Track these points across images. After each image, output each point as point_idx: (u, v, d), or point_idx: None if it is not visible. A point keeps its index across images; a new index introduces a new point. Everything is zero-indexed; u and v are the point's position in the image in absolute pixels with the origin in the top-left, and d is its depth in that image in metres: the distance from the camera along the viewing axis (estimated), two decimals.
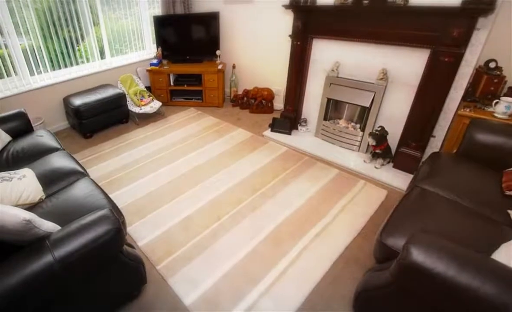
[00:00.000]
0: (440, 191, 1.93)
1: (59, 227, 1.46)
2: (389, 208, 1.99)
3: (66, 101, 3.98)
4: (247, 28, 4.49)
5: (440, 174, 2.11)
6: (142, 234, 2.35)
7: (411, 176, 2.72)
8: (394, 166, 3.11)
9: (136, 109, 4.24)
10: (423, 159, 2.80)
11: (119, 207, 1.99)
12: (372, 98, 3.10)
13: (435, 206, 1.80)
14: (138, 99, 4.31)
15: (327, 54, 3.40)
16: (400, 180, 2.90)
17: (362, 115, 3.37)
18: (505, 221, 1.69)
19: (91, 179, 2.20)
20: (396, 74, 2.95)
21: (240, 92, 4.83)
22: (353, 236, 2.30)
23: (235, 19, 4.57)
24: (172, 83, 4.88)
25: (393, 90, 3.02)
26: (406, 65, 2.85)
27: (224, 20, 4.64)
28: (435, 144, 3.00)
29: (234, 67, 4.83)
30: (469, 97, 2.76)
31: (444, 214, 1.73)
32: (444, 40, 2.48)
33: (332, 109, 3.60)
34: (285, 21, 3.80)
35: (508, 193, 1.87)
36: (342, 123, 3.56)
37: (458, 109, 2.73)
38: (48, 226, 1.43)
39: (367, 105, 3.15)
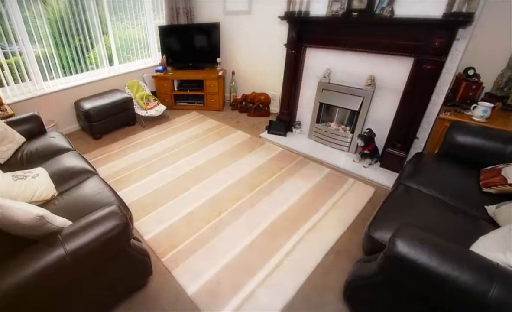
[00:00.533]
0: (423, 188, 1.94)
1: (71, 222, 1.45)
2: (377, 204, 1.99)
3: (77, 105, 3.95)
4: (245, 37, 4.48)
5: (423, 173, 2.11)
6: (148, 228, 2.34)
7: (397, 174, 2.72)
8: (381, 165, 3.11)
9: (142, 113, 4.22)
10: (408, 159, 2.81)
11: (127, 203, 1.98)
12: (360, 102, 3.09)
13: (418, 202, 1.81)
14: (144, 103, 4.29)
15: (319, 61, 3.39)
16: (386, 178, 2.90)
17: (352, 118, 3.37)
18: (483, 216, 1.70)
19: (101, 178, 2.18)
20: (383, 81, 2.95)
21: (239, 96, 4.81)
22: (343, 230, 2.30)
23: (234, 29, 4.56)
24: (176, 88, 4.86)
25: (380, 95, 3.02)
26: (392, 72, 2.85)
27: (224, 30, 4.63)
28: (418, 145, 3.00)
29: (233, 73, 4.82)
30: (449, 101, 2.78)
31: (427, 210, 1.73)
32: (426, 50, 2.49)
33: (324, 112, 3.59)
34: (281, 31, 3.80)
35: (485, 190, 1.88)
36: (333, 125, 3.56)
37: (439, 112, 2.74)
38: (60, 221, 1.43)
39: (356, 109, 3.14)
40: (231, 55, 4.84)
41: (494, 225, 1.60)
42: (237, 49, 4.71)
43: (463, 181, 2.00)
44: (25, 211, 1.29)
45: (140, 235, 2.28)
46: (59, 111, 3.99)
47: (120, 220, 1.44)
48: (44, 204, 1.86)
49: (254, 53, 4.48)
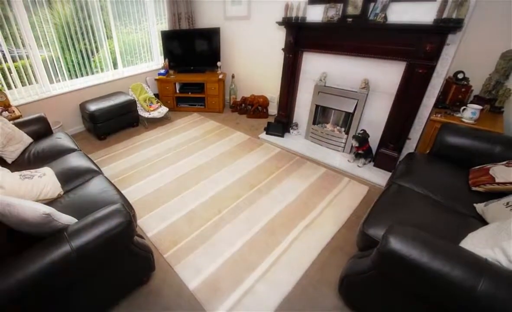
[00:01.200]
0: (414, 187, 1.94)
1: (76, 220, 1.45)
2: (370, 202, 1.99)
3: (82, 106, 3.94)
4: (245, 42, 4.48)
5: (415, 172, 2.11)
6: (151, 226, 2.34)
7: (390, 173, 2.72)
8: (374, 165, 3.11)
9: (145, 114, 4.22)
10: (400, 159, 2.80)
11: (130, 202, 1.97)
12: (355, 104, 3.09)
13: (410, 200, 1.81)
14: (147, 105, 4.28)
15: (315, 65, 3.39)
16: (380, 178, 2.90)
17: (347, 120, 3.37)
18: (471, 213, 1.70)
19: (105, 177, 2.17)
20: (376, 84, 2.95)
21: (238, 99, 4.81)
22: (338, 227, 2.30)
23: (234, 34, 4.56)
24: (177, 91, 4.86)
25: (373, 97, 3.01)
26: (385, 75, 2.85)
27: (224, 35, 4.63)
28: (410, 145, 3.00)
29: (233, 76, 4.81)
30: (440, 104, 2.79)
31: (418, 208, 1.73)
32: (418, 54, 2.50)
33: (320, 114, 3.60)
34: (279, 36, 3.79)
35: (474, 188, 1.88)
36: (329, 127, 3.56)
37: (430, 114, 2.74)
38: (66, 219, 1.42)
39: (351, 111, 3.14)
40: (231, 59, 4.84)
41: (483, 222, 1.60)
42: (236, 53, 4.70)
43: (453, 180, 2.00)
44: (32, 209, 1.28)
45: (143, 232, 2.28)
46: (65, 112, 3.98)
47: (124, 217, 1.43)
48: (50, 202, 1.85)
49: (253, 57, 4.47)
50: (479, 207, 1.71)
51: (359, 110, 3.11)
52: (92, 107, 3.77)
